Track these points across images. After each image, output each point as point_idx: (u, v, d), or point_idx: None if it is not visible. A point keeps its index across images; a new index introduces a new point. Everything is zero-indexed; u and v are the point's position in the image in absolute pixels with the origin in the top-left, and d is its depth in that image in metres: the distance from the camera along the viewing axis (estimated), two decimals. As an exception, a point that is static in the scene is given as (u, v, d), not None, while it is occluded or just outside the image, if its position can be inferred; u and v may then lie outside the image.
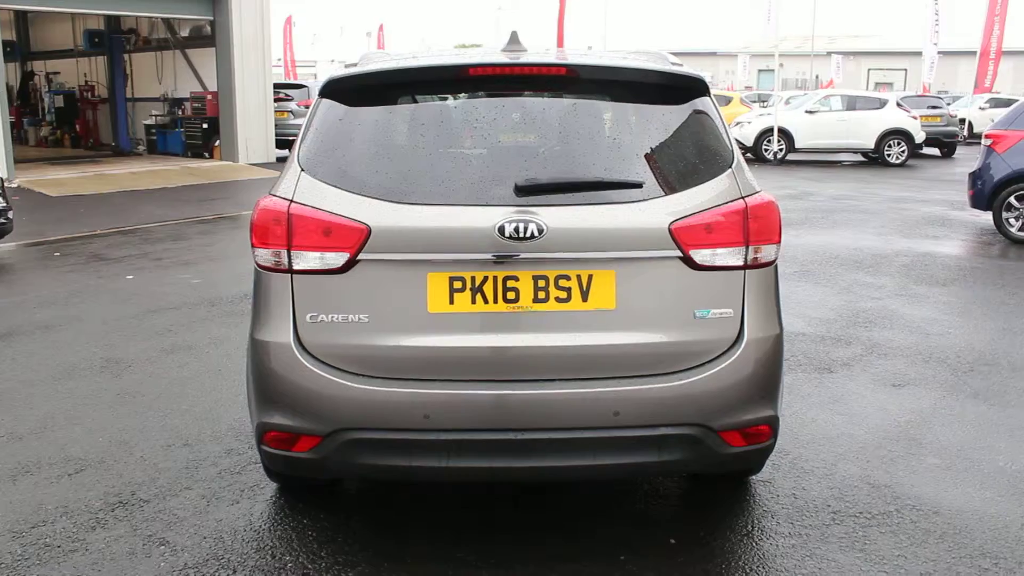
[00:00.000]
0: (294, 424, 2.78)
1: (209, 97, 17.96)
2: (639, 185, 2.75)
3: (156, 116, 19.25)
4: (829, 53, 42.01)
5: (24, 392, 4.73)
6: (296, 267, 2.75)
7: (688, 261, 2.74)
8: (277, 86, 19.38)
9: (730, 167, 2.86)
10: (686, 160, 2.89)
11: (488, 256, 2.66)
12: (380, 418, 2.70)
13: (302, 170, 2.83)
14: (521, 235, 2.62)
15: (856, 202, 12.84)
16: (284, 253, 2.76)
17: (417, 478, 2.93)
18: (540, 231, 2.63)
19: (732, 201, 2.79)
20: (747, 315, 2.80)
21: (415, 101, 2.97)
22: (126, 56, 20.11)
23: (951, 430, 4.19)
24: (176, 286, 7.33)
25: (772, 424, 2.89)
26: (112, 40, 19.81)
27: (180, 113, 18.91)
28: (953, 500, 3.45)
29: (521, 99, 2.93)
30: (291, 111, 19.10)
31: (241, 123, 17.55)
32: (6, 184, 12.89)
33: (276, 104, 18.66)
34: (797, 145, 19.19)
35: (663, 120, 2.93)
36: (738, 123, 20.24)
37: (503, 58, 2.91)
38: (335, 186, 2.76)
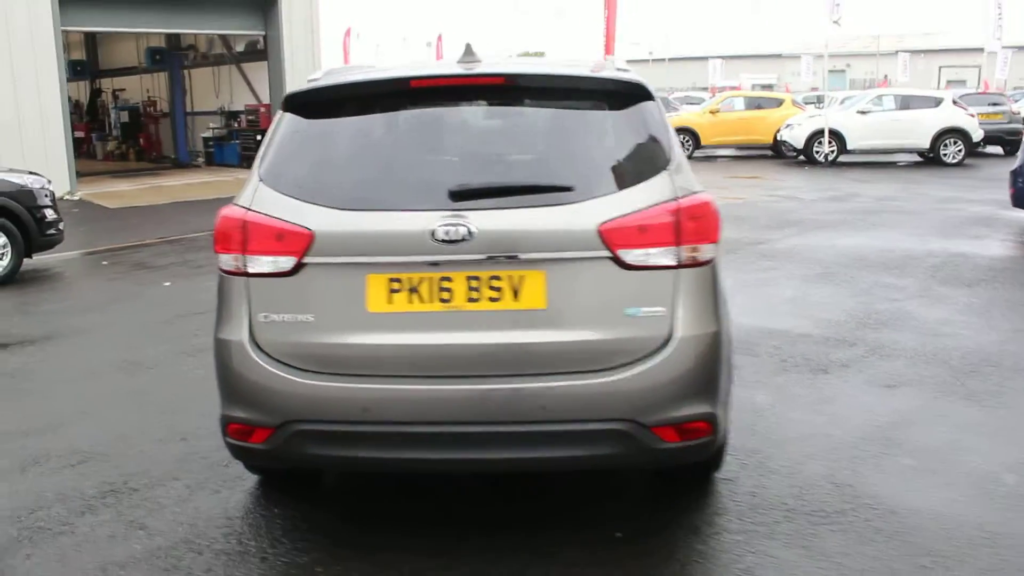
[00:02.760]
0: (250, 416, 2.97)
1: (262, 109, 18.57)
2: (569, 188, 2.86)
3: (213, 129, 19.98)
4: (897, 52, 40.94)
5: (47, 391, 5.07)
6: (251, 270, 2.95)
7: (618, 261, 2.83)
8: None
9: (666, 169, 2.94)
10: (621, 163, 2.98)
11: (422, 259, 2.80)
12: (323, 411, 2.87)
13: (260, 180, 3.03)
14: (452, 238, 2.76)
15: (901, 203, 12.56)
16: (241, 258, 2.96)
17: (364, 468, 3.09)
18: (470, 234, 2.76)
19: (664, 202, 2.87)
20: (680, 313, 2.88)
21: (363, 113, 3.13)
22: (185, 72, 20.97)
23: (932, 431, 4.15)
24: (209, 292, 7.49)
25: (710, 420, 2.95)
26: (172, 57, 20.67)
27: (236, 125, 19.58)
28: (914, 500, 3.45)
29: (461, 108, 3.07)
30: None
31: (292, 134, 18.05)
32: (65, 197, 13.62)
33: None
34: (849, 146, 18.76)
35: (601, 125, 3.03)
36: (788, 125, 19.84)
37: (444, 70, 3.06)
38: (286, 194, 2.95)
